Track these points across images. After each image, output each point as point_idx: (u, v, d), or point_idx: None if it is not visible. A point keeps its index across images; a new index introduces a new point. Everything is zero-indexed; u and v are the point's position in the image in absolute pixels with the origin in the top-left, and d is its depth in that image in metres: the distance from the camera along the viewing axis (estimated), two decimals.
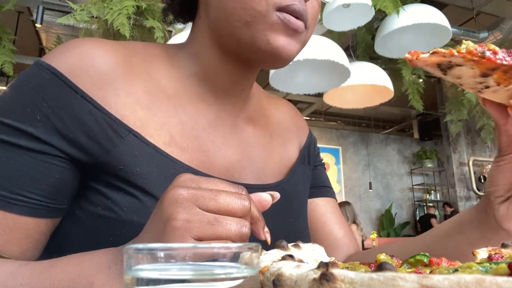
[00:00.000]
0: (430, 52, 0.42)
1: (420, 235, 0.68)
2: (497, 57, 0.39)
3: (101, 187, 0.52)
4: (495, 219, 0.53)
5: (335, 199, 0.84)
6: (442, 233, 0.62)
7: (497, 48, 0.39)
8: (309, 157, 0.79)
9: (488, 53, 0.39)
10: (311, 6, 0.57)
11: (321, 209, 0.80)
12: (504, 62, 0.39)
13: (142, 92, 0.57)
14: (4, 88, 4.79)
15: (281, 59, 0.56)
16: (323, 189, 0.82)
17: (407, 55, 0.44)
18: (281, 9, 0.52)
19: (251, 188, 0.46)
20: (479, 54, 0.39)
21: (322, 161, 0.86)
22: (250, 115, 0.70)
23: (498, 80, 0.41)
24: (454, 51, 0.40)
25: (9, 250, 0.48)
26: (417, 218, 7.98)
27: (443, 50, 0.41)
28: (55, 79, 0.51)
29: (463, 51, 0.40)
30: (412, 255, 0.38)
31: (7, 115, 0.50)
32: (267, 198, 0.44)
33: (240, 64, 0.61)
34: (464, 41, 0.41)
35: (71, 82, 0.52)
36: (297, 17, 0.54)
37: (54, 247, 0.53)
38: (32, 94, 0.51)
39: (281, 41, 0.53)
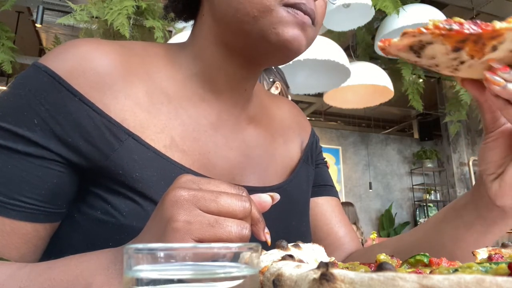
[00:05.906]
0: (400, 34, 0.42)
1: (419, 225, 0.68)
2: (464, 27, 0.39)
3: (100, 191, 0.51)
4: (488, 197, 0.53)
5: (338, 197, 0.83)
6: (439, 219, 0.63)
7: (462, 20, 0.39)
8: (311, 157, 0.78)
9: (454, 26, 0.39)
10: (319, 5, 0.57)
11: (322, 208, 0.79)
12: (472, 31, 0.39)
13: (142, 94, 0.56)
14: (4, 88, 4.79)
15: (290, 52, 0.55)
16: (325, 187, 0.81)
17: (379, 43, 0.44)
18: (288, 5, 0.52)
19: (253, 191, 0.46)
20: (447, 28, 0.39)
21: (324, 160, 0.85)
22: (252, 115, 0.69)
23: (471, 52, 0.41)
24: (422, 29, 0.40)
25: (7, 255, 0.48)
26: (417, 218, 7.98)
27: (412, 29, 0.41)
28: (52, 82, 0.50)
29: (431, 27, 0.40)
30: (412, 255, 0.38)
31: (4, 119, 0.49)
32: (266, 199, 0.44)
33: (244, 62, 0.60)
34: (429, 19, 0.41)
35: (69, 85, 0.51)
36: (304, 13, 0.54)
37: (53, 251, 0.52)
38: (29, 98, 0.50)
39: (291, 32, 0.53)
